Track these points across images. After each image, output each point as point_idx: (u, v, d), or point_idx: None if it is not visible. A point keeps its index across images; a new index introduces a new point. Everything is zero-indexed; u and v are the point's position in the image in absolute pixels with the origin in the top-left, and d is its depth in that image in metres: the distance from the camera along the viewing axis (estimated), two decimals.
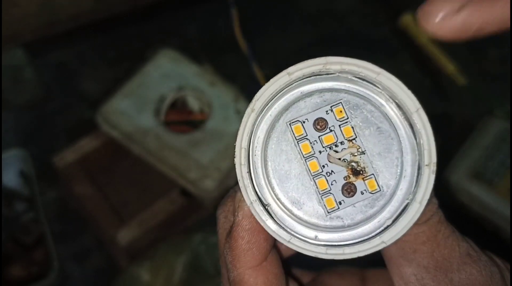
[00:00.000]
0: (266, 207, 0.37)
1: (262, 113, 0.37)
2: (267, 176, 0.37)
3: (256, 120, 0.37)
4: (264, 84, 0.37)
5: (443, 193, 1.31)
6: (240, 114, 1.34)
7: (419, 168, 0.36)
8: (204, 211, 1.36)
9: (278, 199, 0.37)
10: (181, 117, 1.40)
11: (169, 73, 1.41)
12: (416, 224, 0.36)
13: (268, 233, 0.37)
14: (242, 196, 0.37)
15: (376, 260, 0.41)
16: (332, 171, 0.37)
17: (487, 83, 1.55)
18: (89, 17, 1.60)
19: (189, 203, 1.34)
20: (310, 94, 0.37)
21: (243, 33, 1.01)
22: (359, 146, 0.37)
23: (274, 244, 0.40)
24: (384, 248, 0.38)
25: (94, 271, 1.36)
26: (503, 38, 1.61)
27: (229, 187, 1.31)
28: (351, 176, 0.37)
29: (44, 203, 1.36)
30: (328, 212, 0.37)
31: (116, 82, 1.44)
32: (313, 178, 0.37)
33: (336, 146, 0.37)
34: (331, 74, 0.37)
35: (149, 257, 1.22)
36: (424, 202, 0.35)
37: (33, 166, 1.38)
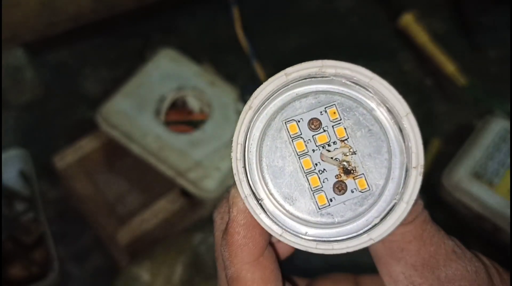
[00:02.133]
0: (260, 201, 0.38)
1: (259, 111, 0.38)
2: (261, 172, 0.39)
3: (253, 117, 0.38)
4: (264, 82, 0.38)
5: (443, 193, 1.31)
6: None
7: (407, 170, 0.37)
8: (204, 211, 1.36)
9: (271, 194, 0.38)
10: (181, 117, 1.40)
11: (169, 73, 1.41)
12: (403, 223, 0.37)
13: (262, 228, 0.38)
14: (236, 192, 0.38)
15: (369, 268, 0.41)
16: (324, 169, 0.38)
17: (487, 83, 1.55)
18: (89, 17, 1.60)
19: (189, 203, 1.34)
20: (305, 95, 0.39)
21: (244, 32, 1.02)
22: (350, 147, 0.38)
23: (269, 241, 0.40)
24: (373, 249, 0.39)
25: (94, 271, 1.36)
26: (503, 38, 1.61)
27: (229, 187, 1.31)
28: (342, 174, 0.38)
29: (44, 203, 1.36)
30: (319, 209, 0.38)
31: (116, 82, 1.44)
32: (305, 175, 0.38)
33: (329, 145, 0.38)
34: (326, 77, 0.38)
35: (149, 257, 1.22)
36: (411, 202, 0.36)
37: (33, 166, 1.38)
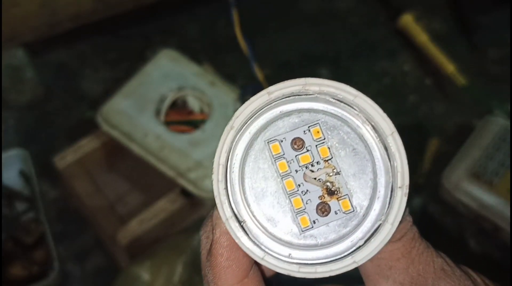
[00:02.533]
0: (242, 224, 0.37)
1: (241, 130, 0.38)
2: (244, 193, 0.38)
3: (235, 137, 0.38)
4: (265, 83, 0.37)
5: (443, 193, 1.31)
6: None
7: (392, 190, 0.37)
8: (204, 211, 1.36)
9: (254, 216, 0.38)
10: (181, 117, 1.40)
11: (169, 73, 1.41)
12: (391, 241, 0.36)
13: None
14: (219, 213, 0.37)
15: (362, 280, 0.41)
16: (307, 190, 0.38)
17: (487, 83, 1.55)
18: (89, 17, 1.60)
19: (189, 203, 1.34)
20: (288, 113, 0.38)
21: (243, 33, 1.02)
22: (334, 167, 0.37)
23: (255, 262, 0.40)
24: (361, 266, 0.38)
25: (94, 271, 1.37)
26: (503, 38, 1.61)
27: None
28: (325, 195, 0.37)
29: (44, 203, 1.36)
30: (302, 231, 0.38)
31: (116, 82, 1.44)
32: (288, 196, 0.38)
33: (312, 165, 0.38)
34: (309, 95, 0.37)
35: (149, 257, 1.22)
36: (396, 224, 0.36)
37: (33, 166, 1.38)
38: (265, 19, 1.70)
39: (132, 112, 1.36)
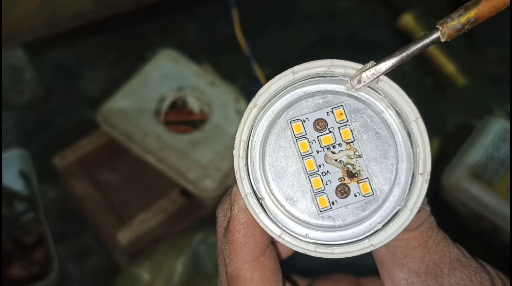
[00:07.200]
0: (260, 201, 0.37)
1: (264, 108, 0.38)
2: (264, 171, 0.38)
3: (257, 115, 0.37)
4: (265, 82, 0.37)
5: (443, 193, 1.31)
6: (240, 114, 1.34)
7: (413, 176, 0.36)
8: (204, 211, 1.36)
9: (273, 194, 0.38)
10: (181, 117, 1.40)
11: (169, 73, 1.41)
12: (408, 229, 0.36)
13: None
14: (238, 190, 0.37)
15: (371, 270, 0.41)
16: (327, 171, 0.37)
17: (487, 83, 1.55)
18: (89, 17, 1.60)
19: (189, 203, 1.34)
20: (312, 94, 0.38)
21: (243, 33, 1.02)
22: (356, 149, 0.37)
23: (271, 241, 0.40)
24: (376, 253, 0.39)
25: (94, 271, 1.36)
26: (503, 38, 1.61)
27: (229, 187, 1.31)
28: (346, 177, 0.37)
29: (44, 203, 1.36)
30: (321, 211, 0.37)
31: (116, 82, 1.44)
32: (308, 176, 0.37)
33: (333, 147, 0.37)
34: (335, 77, 0.37)
35: (149, 257, 1.22)
36: (415, 210, 0.36)
37: (33, 166, 1.38)
38: (265, 19, 1.70)
39: (132, 112, 1.36)
